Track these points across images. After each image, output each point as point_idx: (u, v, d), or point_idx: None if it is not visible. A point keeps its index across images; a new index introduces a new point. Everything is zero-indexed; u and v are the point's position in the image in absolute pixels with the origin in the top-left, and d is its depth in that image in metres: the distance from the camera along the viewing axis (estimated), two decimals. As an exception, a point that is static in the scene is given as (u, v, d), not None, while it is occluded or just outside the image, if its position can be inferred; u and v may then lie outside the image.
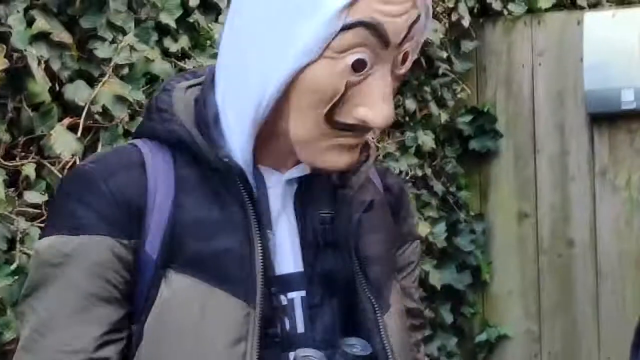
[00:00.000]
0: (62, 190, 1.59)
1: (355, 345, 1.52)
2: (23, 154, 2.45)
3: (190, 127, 1.54)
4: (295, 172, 1.58)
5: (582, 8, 4.33)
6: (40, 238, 1.55)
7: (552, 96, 4.02)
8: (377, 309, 1.57)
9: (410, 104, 3.89)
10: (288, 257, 1.56)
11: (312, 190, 1.58)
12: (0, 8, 2.44)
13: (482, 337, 4.08)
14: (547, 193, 4.04)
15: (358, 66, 1.41)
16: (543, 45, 4.03)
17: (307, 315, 1.55)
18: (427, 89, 3.96)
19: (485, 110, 4.11)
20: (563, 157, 4.00)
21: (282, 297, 1.52)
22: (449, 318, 4.05)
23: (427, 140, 3.91)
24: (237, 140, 1.54)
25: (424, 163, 3.95)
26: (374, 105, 1.44)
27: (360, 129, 1.47)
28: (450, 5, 4.00)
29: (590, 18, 3.90)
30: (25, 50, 2.43)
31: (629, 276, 3.90)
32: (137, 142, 1.58)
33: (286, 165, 1.58)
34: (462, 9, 4.06)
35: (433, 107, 4.07)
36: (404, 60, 1.44)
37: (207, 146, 1.52)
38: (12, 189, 2.47)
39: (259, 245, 1.50)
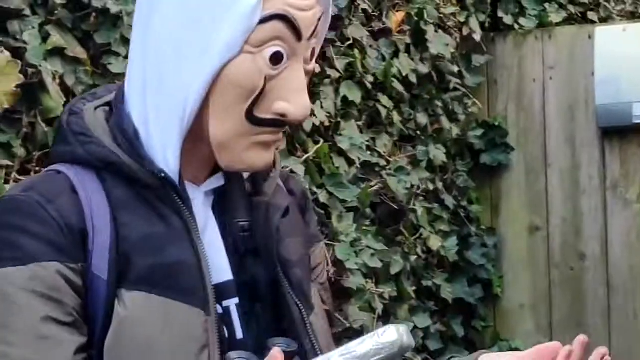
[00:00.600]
0: None
1: (281, 343, 1.51)
2: (38, 168, 2.43)
3: (111, 146, 1.54)
4: (211, 184, 1.61)
5: (593, 22, 4.35)
6: None
7: (563, 110, 4.02)
8: (302, 310, 1.60)
9: (422, 118, 3.89)
10: (219, 266, 1.58)
11: (229, 200, 1.61)
12: (16, 24, 2.47)
13: (494, 350, 4.00)
14: (558, 207, 4.03)
15: (275, 59, 1.46)
16: (554, 60, 4.02)
17: (243, 321, 1.58)
18: (439, 103, 3.96)
19: (497, 124, 4.10)
20: (574, 171, 3.99)
21: (218, 306, 1.54)
22: (460, 332, 4.05)
23: (438, 154, 3.90)
24: (162, 154, 1.55)
25: (435, 177, 3.95)
26: (293, 98, 1.50)
27: (279, 123, 1.52)
28: (462, 19, 4.03)
29: (601, 32, 3.90)
30: (40, 65, 2.45)
31: None
32: (59, 167, 1.56)
33: (201, 179, 1.60)
34: (473, 23, 4.09)
35: (444, 121, 4.07)
36: (311, 57, 1.52)
37: (134, 163, 1.53)
38: None
39: (205, 254, 1.53)
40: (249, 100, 1.49)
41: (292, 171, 3.24)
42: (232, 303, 1.57)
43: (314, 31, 1.49)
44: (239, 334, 1.56)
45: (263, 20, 1.44)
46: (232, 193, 1.62)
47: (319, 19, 1.49)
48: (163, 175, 1.50)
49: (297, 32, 1.46)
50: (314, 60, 1.56)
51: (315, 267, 1.77)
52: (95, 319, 1.47)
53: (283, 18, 1.45)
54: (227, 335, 1.54)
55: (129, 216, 1.51)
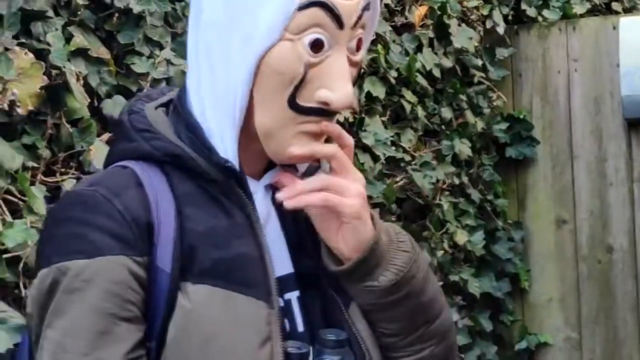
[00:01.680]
0: (62, 216, 1.58)
1: (332, 332, 1.56)
2: (63, 169, 2.46)
3: (176, 141, 1.57)
4: (269, 178, 1.62)
5: (617, 13, 4.36)
6: (41, 267, 1.53)
7: (589, 102, 4.02)
8: (342, 303, 1.61)
9: (446, 113, 3.92)
10: (280, 260, 1.59)
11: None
12: (39, 25, 2.48)
13: (522, 345, 4.09)
14: (585, 199, 4.04)
15: (316, 46, 1.47)
16: (578, 51, 4.02)
17: (303, 314, 1.60)
18: (463, 97, 3.98)
19: (521, 117, 4.11)
20: (601, 163, 4.00)
21: (279, 299, 1.55)
22: (488, 326, 4.05)
23: (463, 148, 3.94)
24: (222, 149, 1.56)
25: (460, 171, 3.98)
26: (335, 85, 1.50)
27: (323, 112, 1.52)
28: (485, 12, 4.04)
29: (626, 22, 3.90)
30: (64, 66, 2.43)
31: None
32: (126, 163, 1.59)
33: (258, 173, 1.62)
34: (497, 16, 4.09)
35: (469, 115, 4.08)
36: (358, 48, 1.52)
37: (198, 157, 1.55)
38: (53, 205, 2.42)
39: (267, 247, 1.54)
40: (291, 87, 1.50)
41: (317, 168, 3.19)
42: (294, 296, 1.59)
43: (357, 20, 1.49)
44: (300, 327, 1.58)
45: (302, 7, 1.45)
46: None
47: (364, 9, 1.49)
48: (229, 164, 1.52)
49: (338, 20, 1.47)
50: (361, 52, 1.56)
51: None
52: (156, 311, 1.49)
53: (323, 5, 1.46)
54: (288, 328, 1.55)
55: (194, 210, 1.53)
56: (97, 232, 1.47)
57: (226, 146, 1.56)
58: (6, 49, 2.36)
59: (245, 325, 1.51)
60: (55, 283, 1.46)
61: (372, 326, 1.69)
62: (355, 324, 1.62)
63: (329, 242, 1.62)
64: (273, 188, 1.63)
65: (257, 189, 1.61)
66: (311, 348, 1.55)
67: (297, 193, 1.59)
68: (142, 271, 1.48)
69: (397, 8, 3.77)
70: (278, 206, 1.61)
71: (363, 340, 1.61)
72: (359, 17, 1.50)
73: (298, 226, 1.66)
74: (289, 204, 1.57)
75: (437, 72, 3.85)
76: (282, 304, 1.57)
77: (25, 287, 2.29)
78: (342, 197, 1.57)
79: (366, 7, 1.51)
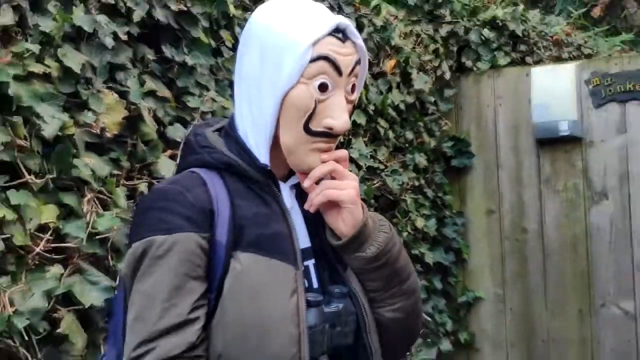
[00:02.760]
0: (148, 205, 1.62)
1: (337, 287, 1.60)
2: (138, 176, 2.50)
3: (229, 154, 1.61)
4: (292, 181, 1.66)
5: (529, 64, 4.37)
6: (134, 241, 1.57)
7: (510, 127, 4.01)
8: (341, 269, 1.65)
9: (409, 135, 3.96)
10: (302, 237, 1.63)
11: (304, 193, 1.64)
12: (122, 74, 2.53)
13: (463, 298, 4.10)
14: (507, 196, 4.03)
15: (323, 88, 1.52)
16: (502, 91, 4.02)
17: (317, 275, 1.64)
18: (421, 123, 4.01)
19: (462, 138, 4.10)
20: (518, 171, 3.99)
21: (302, 264, 1.60)
22: (439, 286, 4.03)
23: (421, 160, 3.96)
24: (263, 158, 1.60)
25: (419, 176, 3.99)
26: (336, 115, 1.55)
27: (329, 134, 1.56)
28: (436, 64, 4.06)
29: (536, 71, 3.92)
30: (139, 103, 2.49)
31: (567, 255, 3.90)
32: (194, 169, 1.62)
33: (283, 177, 1.65)
34: (444, 66, 4.13)
35: (425, 136, 4.05)
36: (352, 90, 1.57)
37: (245, 164, 1.59)
38: (131, 201, 2.50)
39: (294, 228, 1.59)
40: (305, 117, 1.55)
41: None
42: (311, 263, 1.64)
43: (352, 70, 1.54)
44: (315, 284, 1.62)
45: (313, 60, 1.51)
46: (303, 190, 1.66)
47: (357, 63, 1.55)
48: (268, 167, 1.58)
49: (338, 70, 1.52)
50: (355, 93, 1.61)
51: None
52: (215, 273, 1.52)
53: (327, 59, 1.52)
54: (307, 285, 1.59)
55: (242, 201, 1.57)
56: (175, 216, 1.51)
57: (262, 158, 1.60)
58: (98, 91, 2.42)
59: (279, 281, 1.54)
60: (144, 252, 1.51)
61: (361, 285, 1.70)
62: (351, 283, 1.65)
63: (332, 224, 1.65)
64: (295, 188, 1.67)
65: (284, 188, 1.65)
66: (323, 298, 1.59)
67: (311, 200, 1.62)
68: (206, 244, 1.52)
69: (374, 61, 3.76)
70: (299, 201, 1.66)
71: (357, 293, 1.65)
72: (353, 69, 1.55)
73: (313, 215, 1.67)
74: (311, 209, 1.62)
75: (402, 106, 3.88)
76: (303, 268, 1.60)
77: (111, 259, 2.34)
78: (340, 191, 1.61)
79: (358, 62, 1.56)
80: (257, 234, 1.56)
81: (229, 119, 1.71)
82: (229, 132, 1.67)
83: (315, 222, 1.69)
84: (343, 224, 1.64)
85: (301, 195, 1.67)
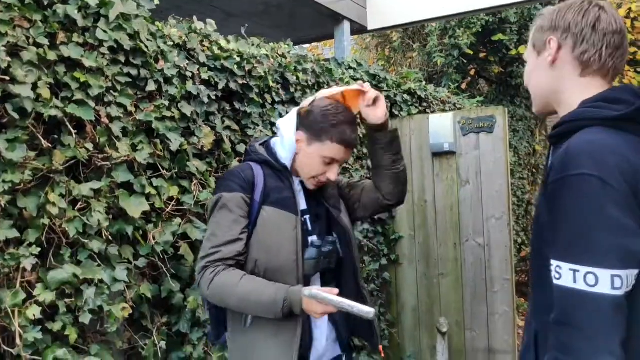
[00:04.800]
0: (224, 177, 1.58)
1: (330, 237, 1.59)
2: (221, 171, 2.42)
3: (265, 155, 1.60)
4: (300, 178, 1.65)
5: (428, 113, 4.34)
6: (214, 194, 1.56)
7: (417, 146, 4.03)
8: (336, 213, 1.66)
9: (365, 150, 3.89)
10: (302, 203, 1.62)
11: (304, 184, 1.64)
12: (212, 117, 2.41)
13: (393, 236, 4.08)
14: (416, 182, 4.03)
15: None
16: (413, 127, 4.03)
17: (311, 223, 1.61)
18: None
19: None
20: (422, 168, 4.00)
21: (303, 217, 1.59)
22: (380, 230, 3.94)
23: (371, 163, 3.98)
24: (283, 161, 1.60)
25: (368, 173, 3.90)
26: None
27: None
28: None
29: (432, 116, 3.91)
30: (221, 132, 2.43)
31: (447, 213, 3.93)
32: (248, 162, 1.62)
33: (298, 175, 1.64)
34: None
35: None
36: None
37: (274, 162, 1.59)
38: (220, 175, 2.34)
39: (297, 196, 1.59)
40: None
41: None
42: (307, 217, 1.62)
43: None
44: (310, 227, 1.61)
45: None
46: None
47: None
48: (286, 166, 1.60)
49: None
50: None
51: (341, 188, 1.81)
52: (252, 215, 1.53)
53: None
54: (304, 229, 1.59)
55: (270, 180, 1.58)
56: (234, 184, 1.50)
57: (285, 162, 1.60)
58: (200, 126, 2.35)
59: (286, 222, 1.54)
60: (218, 200, 1.53)
61: (382, 154, 1.67)
62: (341, 219, 1.64)
63: (374, 115, 1.60)
64: (301, 182, 1.66)
65: (295, 179, 1.64)
66: (321, 243, 1.56)
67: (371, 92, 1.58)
68: (249, 200, 1.52)
69: None
70: (303, 188, 1.65)
71: (346, 226, 1.63)
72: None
73: (315, 195, 1.64)
74: (370, 96, 1.57)
75: (361, 135, 3.83)
76: (302, 219, 1.59)
77: (206, 215, 2.22)
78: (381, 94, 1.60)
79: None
80: (276, 197, 1.54)
81: (267, 141, 1.68)
82: (269, 145, 1.65)
83: (315, 199, 1.64)
84: (381, 112, 1.62)
85: (303, 185, 1.65)
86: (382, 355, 1.77)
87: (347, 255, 1.64)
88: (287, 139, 1.60)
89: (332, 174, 1.56)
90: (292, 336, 1.47)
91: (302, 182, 1.64)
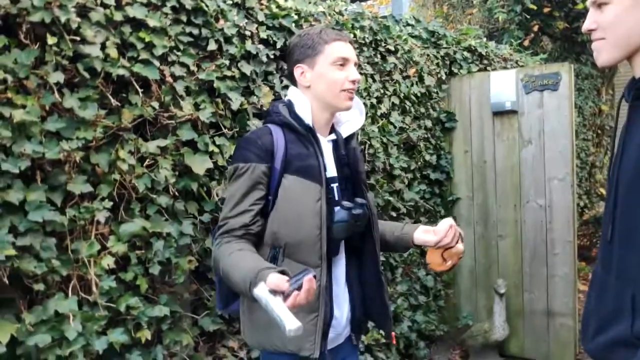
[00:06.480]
0: (239, 145, 1.53)
1: (360, 200, 1.52)
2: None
3: (287, 117, 1.52)
4: (330, 137, 1.58)
5: (489, 71, 4.32)
6: (232, 163, 1.51)
7: (477, 105, 3.98)
8: (365, 188, 1.60)
9: (422, 109, 3.83)
10: (331, 170, 1.55)
11: (338, 145, 1.58)
12: (270, 76, 2.41)
13: (450, 198, 4.08)
14: (475, 143, 3.99)
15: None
16: (474, 85, 3.99)
17: (340, 192, 1.55)
18: (429, 104, 3.92)
19: (451, 111, 4.05)
20: (481, 129, 3.97)
21: (329, 186, 1.52)
22: (437, 191, 3.99)
23: (428, 123, 3.88)
24: (306, 121, 1.53)
25: (427, 132, 3.90)
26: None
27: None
28: (437, 71, 3.99)
29: (493, 74, 3.88)
30: (280, 92, 2.39)
31: (507, 175, 3.84)
32: (268, 125, 1.54)
33: (324, 134, 1.58)
34: (442, 72, 4.04)
35: (431, 110, 3.91)
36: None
37: (295, 124, 1.51)
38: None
39: (324, 163, 1.51)
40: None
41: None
42: (335, 185, 1.55)
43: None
44: (337, 197, 1.55)
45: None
46: (338, 143, 1.59)
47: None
48: (310, 127, 1.52)
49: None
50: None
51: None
52: (273, 186, 1.47)
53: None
54: (331, 197, 1.52)
55: (292, 145, 1.50)
56: (250, 153, 1.46)
57: (308, 121, 1.52)
58: (259, 85, 2.33)
59: (309, 193, 1.47)
60: (233, 171, 1.49)
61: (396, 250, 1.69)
62: (366, 199, 1.59)
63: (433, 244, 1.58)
64: (332, 142, 1.57)
65: (324, 140, 1.57)
66: (353, 205, 1.50)
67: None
68: (267, 170, 1.46)
69: (403, 69, 3.59)
70: (334, 150, 1.57)
71: (370, 205, 1.60)
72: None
73: (343, 157, 1.58)
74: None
75: (419, 94, 3.76)
76: (329, 188, 1.52)
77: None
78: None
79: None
80: (299, 165, 1.47)
81: (289, 100, 1.59)
82: (290, 105, 1.57)
83: (343, 165, 1.58)
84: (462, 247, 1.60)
85: (337, 146, 1.58)
86: (394, 342, 1.72)
87: (369, 235, 1.59)
88: (295, 92, 1.59)
89: (353, 73, 1.52)
90: (315, 314, 1.43)
91: (334, 144, 1.57)
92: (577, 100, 7.15)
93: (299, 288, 1.15)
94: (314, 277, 1.16)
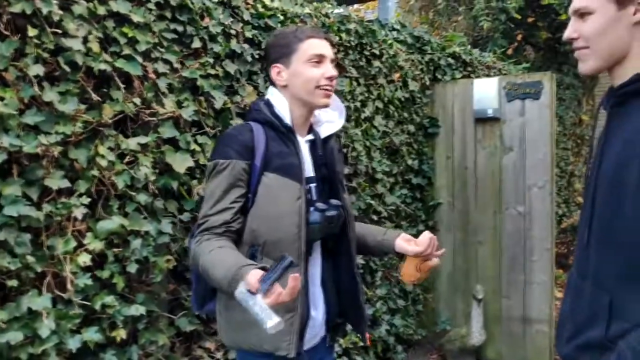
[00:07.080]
0: (219, 142, 1.51)
1: (335, 201, 1.52)
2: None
3: (268, 115, 1.51)
4: (308, 137, 1.57)
5: (472, 78, 4.33)
6: (210, 160, 1.49)
7: (460, 111, 4.00)
8: (342, 188, 1.60)
9: (406, 114, 3.84)
10: (308, 169, 1.54)
11: (316, 145, 1.57)
12: (254, 76, 2.38)
13: (431, 203, 4.07)
14: (457, 148, 4.01)
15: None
16: (457, 92, 4.01)
17: (317, 193, 1.54)
18: (412, 109, 3.94)
19: (434, 117, 4.06)
20: (464, 135, 3.98)
21: (306, 185, 1.50)
22: (418, 196, 4.00)
23: (411, 128, 3.88)
24: (286, 121, 1.52)
25: (410, 137, 3.91)
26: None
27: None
28: (421, 76, 4.00)
29: (476, 81, 3.90)
30: (264, 92, 2.14)
31: (488, 180, 3.86)
32: (249, 122, 1.53)
33: (302, 134, 1.57)
34: (426, 78, 4.04)
35: (414, 116, 3.91)
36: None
37: (276, 122, 1.50)
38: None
39: (303, 162, 1.50)
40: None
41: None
42: (313, 185, 1.54)
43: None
44: (315, 197, 1.54)
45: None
46: (317, 143, 1.58)
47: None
48: (289, 127, 1.51)
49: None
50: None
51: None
52: (253, 183, 1.46)
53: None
54: (309, 197, 1.52)
55: (273, 143, 1.49)
56: (230, 150, 1.44)
57: (287, 121, 1.51)
58: (242, 85, 2.32)
59: (289, 191, 1.46)
60: (213, 167, 1.46)
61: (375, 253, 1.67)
62: (343, 199, 1.58)
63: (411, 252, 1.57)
64: (310, 142, 1.57)
65: (302, 140, 1.56)
66: (327, 207, 1.50)
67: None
68: (248, 167, 1.44)
69: (388, 73, 3.61)
70: (311, 150, 1.56)
71: (345, 206, 1.57)
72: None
73: (320, 158, 1.57)
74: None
75: (403, 99, 3.78)
76: (307, 187, 1.50)
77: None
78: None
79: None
80: (279, 163, 1.47)
81: (267, 98, 1.58)
82: (270, 103, 1.56)
83: (320, 165, 1.57)
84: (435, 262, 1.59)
85: (314, 145, 1.58)
86: (369, 343, 1.70)
87: (344, 236, 1.59)
88: (273, 92, 1.58)
89: (329, 69, 1.49)
90: (292, 314, 1.42)
91: (311, 144, 1.56)
92: (558, 110, 7.25)
93: (279, 278, 1.13)
94: (292, 262, 1.15)
